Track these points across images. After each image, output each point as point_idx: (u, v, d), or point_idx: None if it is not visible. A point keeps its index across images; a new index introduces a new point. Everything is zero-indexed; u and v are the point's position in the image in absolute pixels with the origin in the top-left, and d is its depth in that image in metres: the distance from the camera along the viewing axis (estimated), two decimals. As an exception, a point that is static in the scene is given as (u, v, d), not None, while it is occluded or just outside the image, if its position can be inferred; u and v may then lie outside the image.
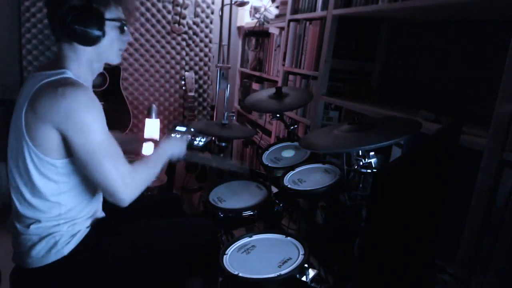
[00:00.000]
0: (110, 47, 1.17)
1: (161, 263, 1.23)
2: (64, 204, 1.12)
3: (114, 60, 1.22)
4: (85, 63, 1.15)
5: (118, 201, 1.10)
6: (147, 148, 2.69)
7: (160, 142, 1.38)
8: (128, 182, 1.10)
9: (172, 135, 1.55)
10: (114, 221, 1.28)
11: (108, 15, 1.12)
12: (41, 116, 1.03)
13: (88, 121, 1.03)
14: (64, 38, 1.11)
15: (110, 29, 1.14)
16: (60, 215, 1.12)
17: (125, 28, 1.19)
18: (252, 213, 1.44)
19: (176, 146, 1.40)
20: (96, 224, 1.22)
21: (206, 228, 1.37)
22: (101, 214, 1.27)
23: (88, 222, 1.20)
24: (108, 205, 1.29)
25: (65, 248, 1.12)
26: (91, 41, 1.10)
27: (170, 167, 2.63)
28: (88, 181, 1.15)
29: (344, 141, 1.19)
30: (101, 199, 1.26)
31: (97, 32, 1.10)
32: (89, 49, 1.13)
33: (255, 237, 1.26)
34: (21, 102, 1.07)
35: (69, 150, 1.06)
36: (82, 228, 1.17)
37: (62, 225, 1.12)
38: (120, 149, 1.12)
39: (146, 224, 1.32)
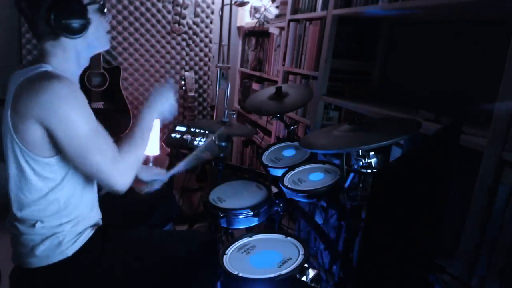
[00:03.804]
0: (96, 33, 1.16)
1: (164, 270, 1.24)
2: (62, 199, 1.11)
3: (104, 45, 1.22)
4: (73, 56, 1.15)
5: (114, 190, 1.12)
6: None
7: (144, 107, 1.27)
8: (117, 170, 1.11)
9: (157, 91, 1.31)
10: (115, 224, 1.28)
11: (85, 0, 1.12)
12: (23, 114, 1.02)
13: (71, 114, 1.02)
14: (49, 36, 1.10)
15: (92, 14, 1.13)
16: (60, 213, 1.12)
17: (105, 9, 1.18)
18: (252, 213, 1.44)
19: (161, 104, 1.29)
20: (99, 227, 1.23)
21: (205, 239, 1.38)
22: (99, 214, 1.27)
23: (91, 221, 1.20)
24: (107, 207, 1.30)
25: (70, 249, 1.12)
26: (79, 31, 1.10)
27: (170, 167, 2.63)
28: (83, 175, 1.16)
29: (344, 141, 1.19)
30: (96, 194, 1.26)
31: (83, 21, 1.10)
32: (78, 41, 1.13)
33: (255, 237, 1.26)
34: (6, 104, 1.07)
35: (56, 146, 1.06)
36: (86, 226, 1.17)
37: (65, 225, 1.12)
38: (108, 137, 1.12)
39: (149, 232, 1.33)
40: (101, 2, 1.17)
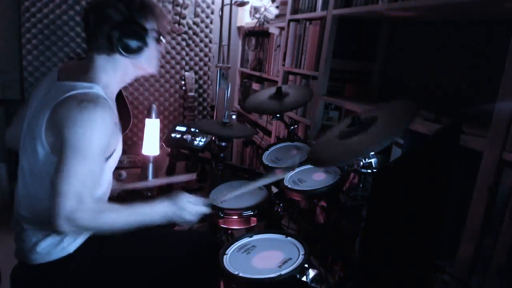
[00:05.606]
0: (149, 57, 1.22)
1: (163, 270, 1.24)
2: None
3: (153, 70, 1.28)
4: (120, 73, 1.20)
5: (55, 224, 0.98)
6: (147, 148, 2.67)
7: (168, 200, 1.16)
8: (77, 218, 0.99)
9: (185, 199, 1.18)
10: None
11: (148, 26, 1.18)
12: (58, 125, 1.04)
13: (86, 140, 1.02)
14: (105, 50, 1.14)
15: (150, 39, 1.20)
16: None
17: (162, 38, 1.25)
18: (252, 213, 1.44)
19: (183, 213, 1.16)
20: None
21: (207, 241, 1.39)
22: None
23: None
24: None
25: (71, 246, 1.13)
26: (135, 51, 1.15)
27: (170, 167, 2.63)
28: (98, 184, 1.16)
29: (352, 148, 1.17)
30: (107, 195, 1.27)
31: (141, 44, 1.16)
32: (130, 60, 1.18)
33: (255, 237, 1.26)
34: (42, 108, 1.08)
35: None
36: None
37: None
38: (96, 185, 1.07)
39: (149, 231, 1.32)
40: (161, 31, 1.24)
